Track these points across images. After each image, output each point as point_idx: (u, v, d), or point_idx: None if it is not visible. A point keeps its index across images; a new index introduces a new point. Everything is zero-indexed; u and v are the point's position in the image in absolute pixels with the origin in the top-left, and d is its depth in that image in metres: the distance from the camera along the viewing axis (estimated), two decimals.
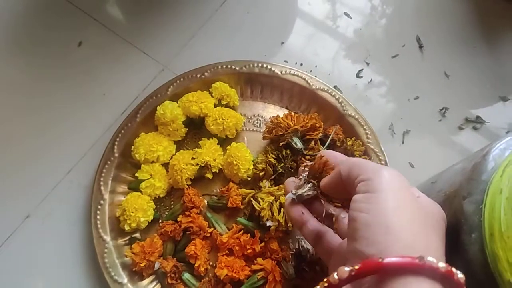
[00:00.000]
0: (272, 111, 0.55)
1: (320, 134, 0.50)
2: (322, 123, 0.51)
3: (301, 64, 0.59)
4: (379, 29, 0.62)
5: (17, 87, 0.58)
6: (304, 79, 0.54)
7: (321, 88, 0.53)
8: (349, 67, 0.59)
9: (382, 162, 0.50)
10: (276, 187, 0.47)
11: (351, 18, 0.62)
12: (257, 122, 0.55)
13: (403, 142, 0.55)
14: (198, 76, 0.54)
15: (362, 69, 0.59)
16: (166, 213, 0.50)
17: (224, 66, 0.55)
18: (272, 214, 0.45)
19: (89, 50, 0.60)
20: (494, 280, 0.29)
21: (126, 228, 0.46)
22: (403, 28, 0.62)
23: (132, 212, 0.46)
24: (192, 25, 0.61)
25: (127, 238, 0.48)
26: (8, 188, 0.53)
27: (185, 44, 0.60)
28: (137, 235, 0.49)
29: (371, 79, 0.58)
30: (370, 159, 0.50)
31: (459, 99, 0.57)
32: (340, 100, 0.53)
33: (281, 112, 0.55)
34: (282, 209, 0.46)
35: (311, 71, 0.58)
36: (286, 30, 0.62)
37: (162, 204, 0.51)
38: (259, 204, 0.46)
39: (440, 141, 0.55)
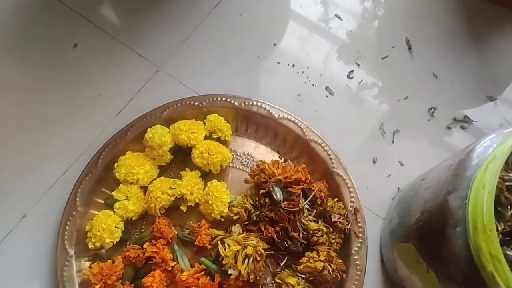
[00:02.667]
0: (263, 152, 0.54)
1: (304, 187, 0.49)
2: (309, 176, 0.50)
3: (293, 65, 0.60)
4: (369, 31, 0.63)
5: (13, 88, 0.59)
6: (300, 127, 0.53)
7: (315, 140, 0.52)
8: (340, 68, 0.60)
9: (360, 231, 0.48)
10: (246, 235, 0.46)
11: (342, 20, 0.63)
12: (245, 161, 0.54)
13: (393, 142, 0.56)
14: (196, 104, 0.54)
15: (353, 70, 0.60)
16: (136, 235, 0.50)
17: (224, 99, 0.54)
18: (236, 262, 0.44)
19: (85, 51, 0.60)
20: (478, 272, 0.31)
21: (90, 246, 0.47)
22: (393, 30, 0.63)
23: (99, 232, 0.46)
24: (186, 27, 0.62)
25: (92, 254, 0.48)
26: (5, 189, 0.54)
27: (179, 46, 0.60)
28: (103, 251, 0.49)
29: (362, 80, 0.60)
30: (348, 225, 0.48)
31: (447, 99, 0.59)
32: (331, 157, 0.51)
33: (272, 155, 0.54)
34: (246, 260, 0.45)
35: (303, 72, 0.59)
36: (278, 32, 0.62)
37: (134, 226, 0.50)
38: (225, 249, 0.45)
39: (429, 140, 0.57)
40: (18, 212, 0.53)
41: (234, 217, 0.48)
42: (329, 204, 0.48)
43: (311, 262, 0.45)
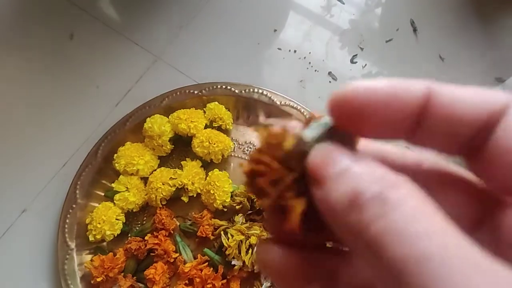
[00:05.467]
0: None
1: None
2: None
3: (295, 51, 0.58)
4: (373, 14, 0.61)
5: (8, 80, 0.58)
6: (303, 114, 0.51)
7: None
8: (343, 53, 0.59)
9: None
10: (249, 224, 0.45)
11: (344, 3, 0.61)
12: (248, 150, 0.52)
13: None
14: (196, 92, 0.53)
15: (356, 54, 0.58)
16: (137, 227, 0.49)
17: (224, 87, 0.53)
18: (239, 253, 0.43)
19: (81, 42, 0.59)
20: None
21: (91, 238, 0.46)
22: (397, 12, 0.61)
23: (99, 224, 0.45)
24: (185, 15, 0.60)
25: (93, 246, 0.48)
26: (4, 183, 0.53)
27: (178, 34, 0.59)
28: (104, 244, 0.48)
29: (366, 64, 0.58)
30: None
31: (454, 82, 0.54)
32: None
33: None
34: (250, 250, 0.44)
35: (305, 57, 0.58)
36: (279, 17, 0.61)
37: (135, 218, 0.50)
38: (228, 240, 0.44)
39: None
40: (18, 206, 0.52)
41: (237, 207, 0.47)
42: None
43: None
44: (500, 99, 0.12)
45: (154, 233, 0.47)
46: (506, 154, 0.11)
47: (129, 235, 0.48)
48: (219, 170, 0.49)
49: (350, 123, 0.12)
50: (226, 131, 0.52)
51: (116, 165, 0.48)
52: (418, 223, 0.10)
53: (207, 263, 0.46)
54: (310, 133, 0.13)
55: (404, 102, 0.12)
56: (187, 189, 0.47)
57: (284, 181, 0.13)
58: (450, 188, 0.13)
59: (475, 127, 0.12)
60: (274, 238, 0.14)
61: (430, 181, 0.14)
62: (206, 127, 0.51)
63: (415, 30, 0.59)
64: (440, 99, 0.12)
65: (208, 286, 0.44)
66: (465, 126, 0.12)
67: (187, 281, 0.45)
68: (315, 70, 0.57)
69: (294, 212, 0.12)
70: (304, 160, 0.13)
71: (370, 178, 0.11)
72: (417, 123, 0.12)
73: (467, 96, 0.12)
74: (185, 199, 0.48)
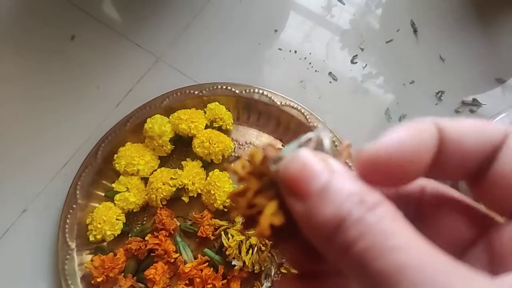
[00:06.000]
0: (266, 141, 0.53)
1: None
2: None
3: (295, 52, 0.58)
4: (373, 14, 0.61)
5: (9, 82, 0.58)
6: (303, 114, 0.51)
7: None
8: (343, 53, 0.59)
9: None
10: None
11: (344, 4, 0.61)
12: (248, 150, 0.52)
13: None
14: (196, 93, 0.53)
15: (356, 55, 0.58)
16: (137, 228, 0.49)
17: (224, 87, 0.53)
18: (240, 253, 0.43)
19: (82, 43, 0.59)
20: None
21: (91, 238, 0.46)
22: (397, 13, 0.61)
23: (99, 224, 0.45)
24: (186, 15, 0.60)
25: (93, 247, 0.48)
26: (4, 183, 0.53)
27: (179, 35, 0.59)
28: (104, 244, 0.48)
29: (366, 65, 0.58)
30: None
31: (455, 82, 0.57)
32: (336, 143, 0.50)
33: (275, 143, 0.53)
34: (250, 250, 0.44)
35: (305, 58, 0.58)
36: (279, 17, 0.61)
37: (135, 218, 0.50)
38: (228, 240, 0.44)
39: None
40: (18, 206, 0.52)
41: None
42: None
43: None
44: (499, 131, 0.13)
45: (155, 233, 0.47)
46: (507, 177, 0.13)
47: (130, 235, 0.48)
48: (220, 170, 0.49)
49: (379, 180, 0.14)
50: (226, 132, 0.52)
51: (117, 165, 0.48)
52: (393, 239, 0.11)
53: (207, 263, 0.46)
54: (283, 150, 0.14)
55: (425, 149, 0.13)
56: (188, 189, 0.48)
57: (252, 188, 0.14)
58: (447, 209, 0.15)
59: (481, 157, 0.13)
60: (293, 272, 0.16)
61: (425, 204, 0.16)
62: (206, 127, 0.51)
63: (415, 30, 0.59)
64: (448, 136, 0.13)
65: (209, 286, 0.44)
66: (472, 157, 0.13)
67: (187, 281, 0.45)
68: (316, 71, 0.57)
69: (264, 214, 0.13)
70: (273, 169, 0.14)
71: (351, 200, 0.12)
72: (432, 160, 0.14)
73: (471, 130, 0.13)
74: (185, 199, 0.48)
